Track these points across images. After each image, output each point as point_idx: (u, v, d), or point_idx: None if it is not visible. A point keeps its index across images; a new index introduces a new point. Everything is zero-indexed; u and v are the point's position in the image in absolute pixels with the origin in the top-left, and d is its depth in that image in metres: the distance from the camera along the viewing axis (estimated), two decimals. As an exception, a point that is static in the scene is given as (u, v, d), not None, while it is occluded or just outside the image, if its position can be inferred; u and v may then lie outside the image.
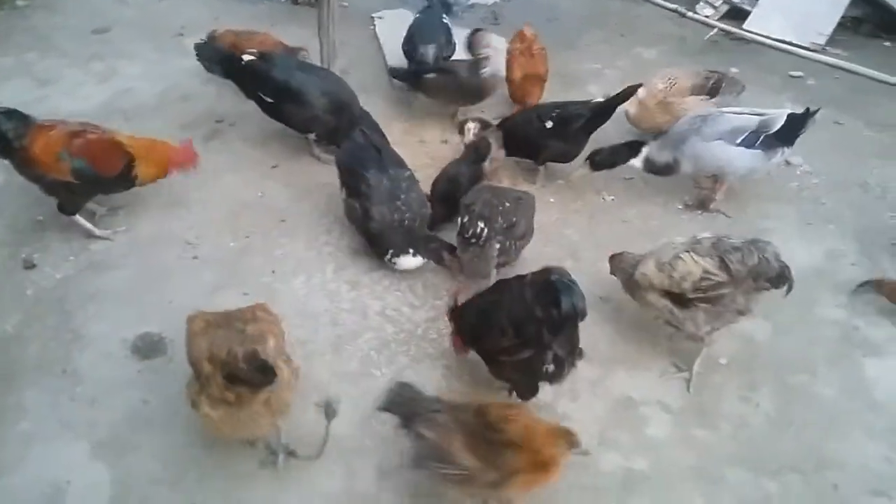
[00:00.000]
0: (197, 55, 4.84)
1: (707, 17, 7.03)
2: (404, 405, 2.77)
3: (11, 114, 3.82)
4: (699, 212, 4.50)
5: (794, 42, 6.48)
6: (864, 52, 6.42)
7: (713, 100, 4.82)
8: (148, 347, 3.48)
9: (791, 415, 3.31)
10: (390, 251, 3.85)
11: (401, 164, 4.11)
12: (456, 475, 2.63)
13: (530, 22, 5.45)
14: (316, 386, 3.34)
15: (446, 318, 3.37)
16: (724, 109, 4.36)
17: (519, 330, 2.90)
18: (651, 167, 4.35)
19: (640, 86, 4.68)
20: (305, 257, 4.07)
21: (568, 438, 2.68)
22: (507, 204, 3.77)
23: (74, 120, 4.09)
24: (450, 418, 2.70)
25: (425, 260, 3.89)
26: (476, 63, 5.23)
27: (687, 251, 3.23)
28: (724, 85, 4.88)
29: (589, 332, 3.58)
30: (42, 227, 4.22)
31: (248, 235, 4.20)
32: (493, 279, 3.66)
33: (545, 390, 3.27)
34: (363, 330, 3.64)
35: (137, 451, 3.04)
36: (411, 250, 3.85)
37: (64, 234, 4.16)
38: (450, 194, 4.18)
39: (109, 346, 3.49)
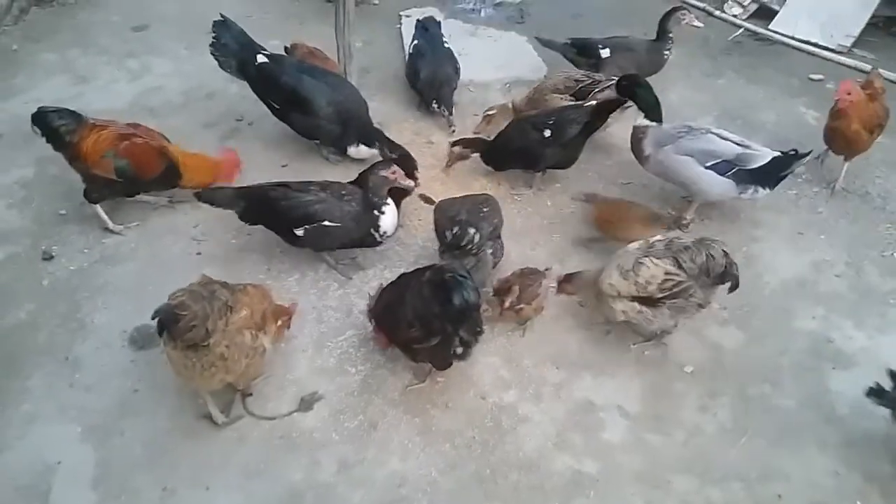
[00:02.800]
0: (214, 37, 4.94)
1: (735, 16, 6.99)
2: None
3: (64, 112, 4.21)
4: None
5: (820, 43, 6.40)
6: (892, 53, 6.29)
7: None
8: (143, 339, 3.73)
9: (746, 425, 3.38)
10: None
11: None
12: None
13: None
14: (295, 381, 3.56)
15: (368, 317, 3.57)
16: (715, 130, 4.29)
17: (424, 323, 3.15)
18: (636, 141, 4.40)
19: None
20: (301, 256, 4.26)
21: None
22: (486, 208, 3.90)
23: (125, 123, 4.42)
24: None
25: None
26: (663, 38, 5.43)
27: (645, 256, 3.39)
28: (596, 91, 4.97)
29: (561, 337, 3.77)
30: (64, 220, 4.52)
31: (249, 233, 4.42)
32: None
33: (508, 392, 3.46)
34: (346, 327, 3.83)
35: (122, 436, 3.31)
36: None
37: (82, 227, 4.45)
38: None
39: (110, 336, 3.77)
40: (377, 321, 3.47)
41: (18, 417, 3.39)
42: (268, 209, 4.00)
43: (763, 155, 4.13)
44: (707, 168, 4.15)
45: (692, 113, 5.60)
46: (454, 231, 3.74)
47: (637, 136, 4.38)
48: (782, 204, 4.67)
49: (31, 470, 3.17)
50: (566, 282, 3.72)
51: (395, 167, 4.00)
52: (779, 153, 4.15)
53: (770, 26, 6.72)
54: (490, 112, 5.16)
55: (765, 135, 5.22)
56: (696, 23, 5.50)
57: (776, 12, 6.82)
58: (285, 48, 5.58)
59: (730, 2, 7.15)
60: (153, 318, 2.91)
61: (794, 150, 4.18)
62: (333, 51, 5.47)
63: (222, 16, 5.01)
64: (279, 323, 3.43)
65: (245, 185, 4.22)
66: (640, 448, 3.30)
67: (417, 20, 6.11)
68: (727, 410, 3.45)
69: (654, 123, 4.33)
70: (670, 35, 5.48)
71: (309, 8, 7.29)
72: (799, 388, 3.56)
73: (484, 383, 3.55)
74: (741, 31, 6.77)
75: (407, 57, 5.81)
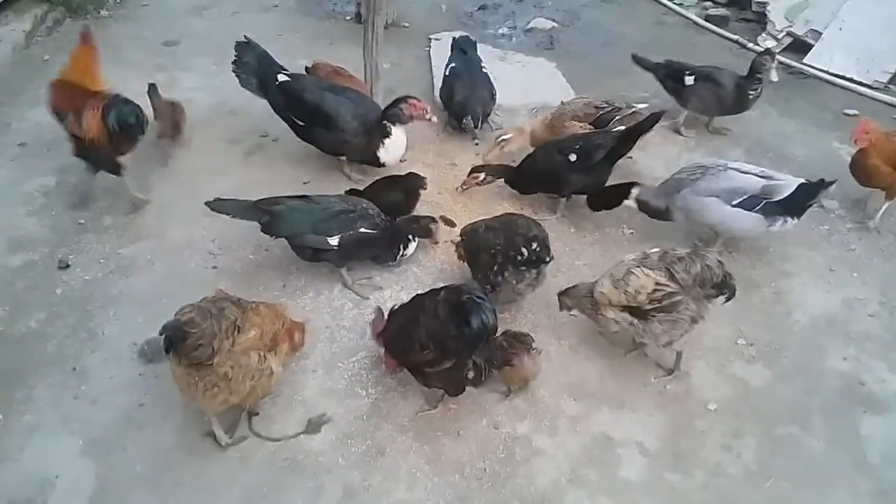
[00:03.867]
0: (236, 56, 4.93)
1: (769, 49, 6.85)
2: None
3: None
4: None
5: (855, 79, 6.26)
6: (929, 90, 6.15)
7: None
8: (153, 352, 3.66)
9: (772, 467, 3.22)
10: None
11: None
12: None
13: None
14: (303, 401, 3.46)
15: (376, 342, 3.47)
16: (733, 165, 4.18)
17: (438, 344, 3.05)
18: (646, 209, 4.31)
19: (663, 113, 4.62)
20: (318, 273, 4.19)
21: None
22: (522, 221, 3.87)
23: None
24: None
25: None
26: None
27: (638, 266, 3.33)
28: (617, 118, 4.91)
29: (580, 367, 3.64)
30: (83, 229, 4.50)
31: (266, 249, 4.36)
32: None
33: (522, 422, 3.34)
34: (358, 349, 3.74)
35: (124, 451, 3.22)
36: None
37: (100, 238, 4.43)
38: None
39: (119, 348, 3.70)
40: (386, 345, 3.37)
41: (20, 428, 3.32)
42: (301, 219, 3.91)
43: (789, 184, 4.01)
44: (735, 206, 4.02)
45: (722, 144, 5.50)
46: (534, 248, 3.68)
47: (643, 203, 4.30)
48: (814, 239, 4.54)
49: (29, 483, 3.09)
50: (564, 295, 3.63)
51: (413, 101, 4.57)
52: (804, 181, 4.04)
53: (804, 60, 6.60)
54: (505, 137, 5.06)
55: (795, 168, 5.07)
56: (773, 76, 5.33)
57: (811, 46, 6.71)
58: (306, 68, 5.56)
59: (763, 34, 7.05)
60: (160, 334, 2.84)
61: (821, 178, 4.07)
62: (361, 71, 5.44)
63: (246, 37, 5.00)
64: (294, 341, 3.36)
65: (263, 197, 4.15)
66: (659, 488, 3.14)
67: (453, 38, 6.06)
68: (752, 451, 3.29)
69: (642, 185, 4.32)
70: (759, 76, 5.31)
71: (339, 28, 7.32)
72: (828, 431, 3.39)
73: (497, 412, 3.43)
74: (775, 63, 6.63)
75: (442, 78, 5.75)
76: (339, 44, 6.82)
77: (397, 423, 3.36)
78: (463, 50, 5.86)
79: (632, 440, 3.34)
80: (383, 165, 4.84)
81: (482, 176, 4.63)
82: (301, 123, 4.88)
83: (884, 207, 4.58)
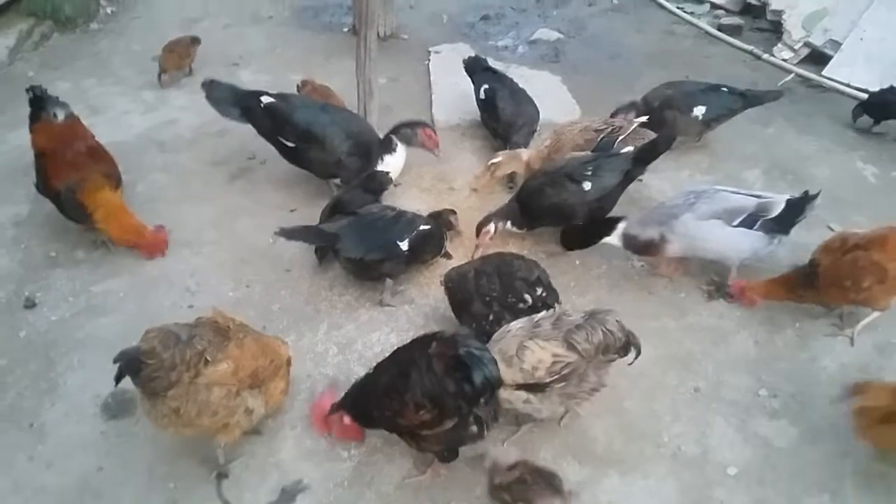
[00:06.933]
0: (207, 96, 4.67)
1: (785, 60, 6.53)
2: None
3: None
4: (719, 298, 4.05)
5: (879, 93, 5.88)
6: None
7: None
8: (117, 406, 3.37)
9: None
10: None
11: None
12: None
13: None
14: (277, 464, 3.14)
15: (322, 425, 3.17)
16: (720, 188, 3.95)
17: (436, 404, 2.71)
18: (631, 244, 3.98)
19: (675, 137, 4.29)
20: (301, 313, 3.89)
21: None
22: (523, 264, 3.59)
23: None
24: None
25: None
26: None
27: (530, 338, 2.96)
28: (620, 138, 4.55)
29: (585, 425, 3.31)
30: (53, 263, 4.23)
31: (248, 285, 4.07)
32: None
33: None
34: (342, 401, 3.41)
35: (78, 524, 2.91)
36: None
37: (70, 273, 4.16)
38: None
39: (81, 400, 3.40)
40: (352, 415, 3.03)
41: (-33, 494, 3.02)
42: (369, 233, 3.81)
43: (777, 201, 3.83)
44: (737, 226, 3.78)
45: (737, 166, 5.15)
46: (539, 293, 3.41)
47: (630, 238, 3.97)
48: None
49: (-29, 562, 2.79)
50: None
51: (430, 131, 4.53)
52: (789, 196, 3.87)
53: (823, 72, 6.24)
54: (495, 160, 4.68)
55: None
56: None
57: (829, 57, 6.35)
58: (297, 86, 5.28)
59: (779, 45, 6.69)
60: (114, 362, 2.61)
61: (805, 191, 3.87)
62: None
63: (209, 79, 4.77)
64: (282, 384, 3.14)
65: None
66: (676, 570, 2.81)
67: (470, 58, 5.71)
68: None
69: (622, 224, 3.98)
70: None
71: (335, 42, 7.02)
72: (864, 501, 3.03)
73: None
74: (791, 76, 6.31)
75: (478, 101, 5.38)
76: (335, 58, 6.51)
77: (381, 493, 3.03)
78: (486, 69, 5.52)
79: (644, 511, 3.00)
80: None
81: (492, 227, 4.20)
82: (290, 145, 4.58)
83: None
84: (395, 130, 4.58)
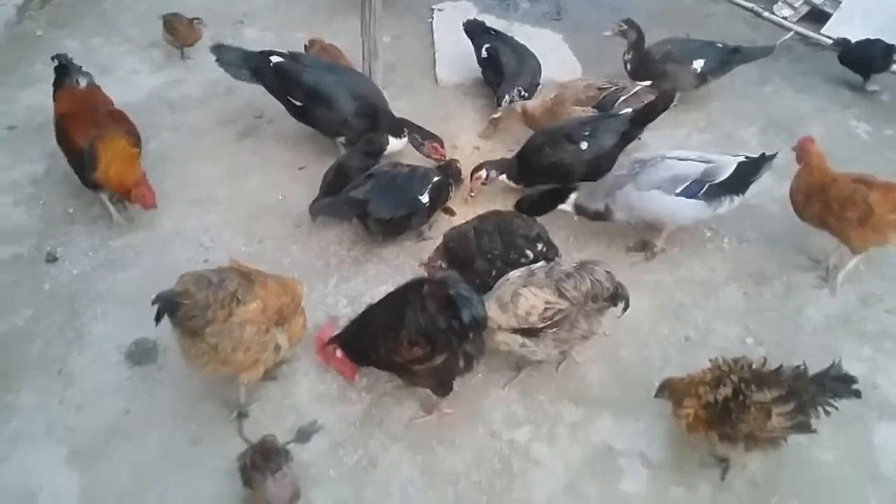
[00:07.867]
0: (217, 60, 4.78)
1: (785, 18, 6.58)
2: None
3: None
4: (642, 254, 4.21)
5: (876, 51, 5.97)
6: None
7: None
8: (141, 354, 3.56)
9: (779, 480, 3.10)
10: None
11: None
12: None
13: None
14: (294, 407, 3.35)
15: (321, 354, 3.37)
16: (669, 154, 4.03)
17: (429, 340, 2.97)
18: (583, 212, 4.13)
19: (675, 92, 4.46)
20: (312, 267, 4.06)
21: None
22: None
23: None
24: None
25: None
26: None
27: (524, 286, 3.18)
28: (622, 99, 4.70)
29: (582, 371, 3.50)
30: (72, 219, 4.37)
31: (261, 240, 4.24)
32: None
33: (520, 429, 3.22)
34: (352, 350, 3.60)
35: (109, 462, 3.13)
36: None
37: (89, 228, 4.30)
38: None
39: (106, 349, 3.59)
40: (346, 352, 3.24)
41: (4, 435, 3.23)
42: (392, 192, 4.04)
43: (727, 163, 3.91)
44: (678, 195, 3.88)
45: (733, 124, 5.28)
46: (539, 249, 3.60)
47: (580, 207, 4.12)
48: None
49: (12, 496, 3.01)
50: None
51: (439, 147, 4.60)
52: (743, 158, 3.95)
53: (822, 30, 6.32)
54: (496, 116, 4.87)
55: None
56: None
57: (829, 15, 6.42)
58: (304, 46, 5.38)
59: (780, 3, 6.74)
60: (153, 304, 2.82)
61: (762, 153, 3.98)
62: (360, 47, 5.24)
63: (217, 43, 4.92)
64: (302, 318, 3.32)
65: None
66: (662, 501, 3.03)
67: (470, 21, 5.81)
68: (758, 464, 3.15)
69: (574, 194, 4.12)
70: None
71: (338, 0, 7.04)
72: (839, 440, 3.24)
73: (495, 419, 3.31)
74: (790, 34, 6.38)
75: (479, 60, 5.50)
76: (340, 16, 6.55)
77: (390, 432, 3.25)
78: (486, 31, 5.63)
79: (634, 451, 3.22)
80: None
81: (484, 174, 4.37)
82: (298, 104, 4.71)
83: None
84: (411, 127, 4.67)
